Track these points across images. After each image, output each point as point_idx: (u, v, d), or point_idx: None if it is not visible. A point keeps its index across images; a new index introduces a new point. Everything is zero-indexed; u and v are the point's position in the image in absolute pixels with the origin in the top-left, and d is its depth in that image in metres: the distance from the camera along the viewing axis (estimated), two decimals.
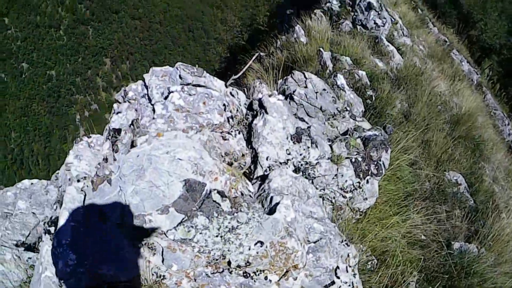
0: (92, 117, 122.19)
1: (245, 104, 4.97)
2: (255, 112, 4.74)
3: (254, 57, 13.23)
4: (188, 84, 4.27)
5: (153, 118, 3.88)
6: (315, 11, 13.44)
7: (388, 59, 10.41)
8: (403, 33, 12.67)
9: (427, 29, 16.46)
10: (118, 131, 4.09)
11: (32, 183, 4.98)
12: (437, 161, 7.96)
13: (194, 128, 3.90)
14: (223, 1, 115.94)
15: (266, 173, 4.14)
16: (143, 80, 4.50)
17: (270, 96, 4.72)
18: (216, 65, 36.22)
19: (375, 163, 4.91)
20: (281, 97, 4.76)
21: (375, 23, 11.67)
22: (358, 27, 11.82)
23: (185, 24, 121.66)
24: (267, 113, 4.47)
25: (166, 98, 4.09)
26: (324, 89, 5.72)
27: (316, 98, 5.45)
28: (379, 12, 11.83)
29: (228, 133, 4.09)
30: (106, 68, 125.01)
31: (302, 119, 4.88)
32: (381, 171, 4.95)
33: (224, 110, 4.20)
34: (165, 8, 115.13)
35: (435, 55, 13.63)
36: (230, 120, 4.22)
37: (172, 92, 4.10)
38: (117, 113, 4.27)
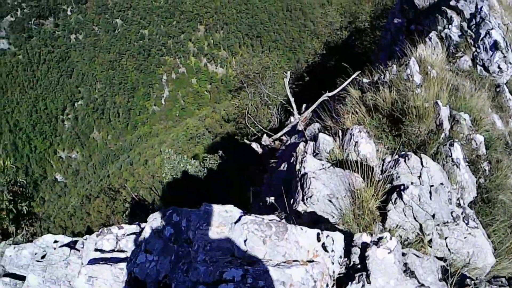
0: (178, 80, 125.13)
1: (340, 257, 3.61)
2: (351, 263, 3.55)
3: (352, 77, 12.14)
4: (255, 267, 2.94)
5: None
6: (430, 35, 12.07)
7: (508, 117, 9.00)
8: None
9: None
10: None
11: (55, 241, 4.35)
12: None
13: None
14: None
15: None
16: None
17: (378, 243, 3.48)
18: (309, 59, 34.94)
19: None
20: (392, 243, 3.46)
21: (499, 67, 10.15)
22: (479, 67, 10.35)
23: (284, 3, 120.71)
24: (369, 281, 3.25)
25: None
26: (442, 183, 4.65)
27: (430, 197, 4.39)
28: (505, 55, 10.27)
29: None
30: (199, 34, 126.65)
31: (413, 274, 3.74)
32: None
33: None
34: None
35: None
36: None
37: None
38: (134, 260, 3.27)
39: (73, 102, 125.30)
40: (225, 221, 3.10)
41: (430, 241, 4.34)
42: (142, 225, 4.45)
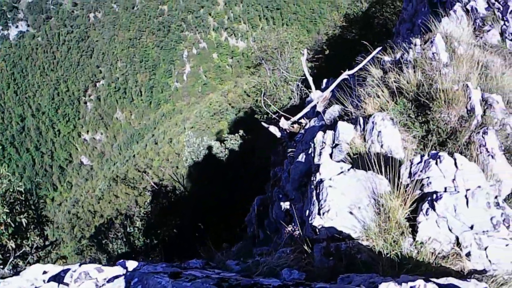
0: (199, 55, 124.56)
1: None
2: None
3: (372, 54, 11.39)
4: None
5: None
6: (454, 8, 11.30)
7: None
8: None
9: None
10: None
11: (44, 271, 3.92)
12: None
13: None
14: None
15: None
16: None
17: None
18: (330, 32, 33.99)
19: None
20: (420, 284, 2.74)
21: None
22: (508, 42, 9.62)
23: None
24: None
25: None
26: (479, 186, 4.08)
27: (467, 204, 3.84)
28: None
29: None
30: (219, 8, 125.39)
31: None
32: None
33: None
34: None
35: None
36: None
37: None
38: None
39: (94, 82, 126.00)
40: None
41: (468, 253, 3.82)
42: (128, 264, 4.08)
